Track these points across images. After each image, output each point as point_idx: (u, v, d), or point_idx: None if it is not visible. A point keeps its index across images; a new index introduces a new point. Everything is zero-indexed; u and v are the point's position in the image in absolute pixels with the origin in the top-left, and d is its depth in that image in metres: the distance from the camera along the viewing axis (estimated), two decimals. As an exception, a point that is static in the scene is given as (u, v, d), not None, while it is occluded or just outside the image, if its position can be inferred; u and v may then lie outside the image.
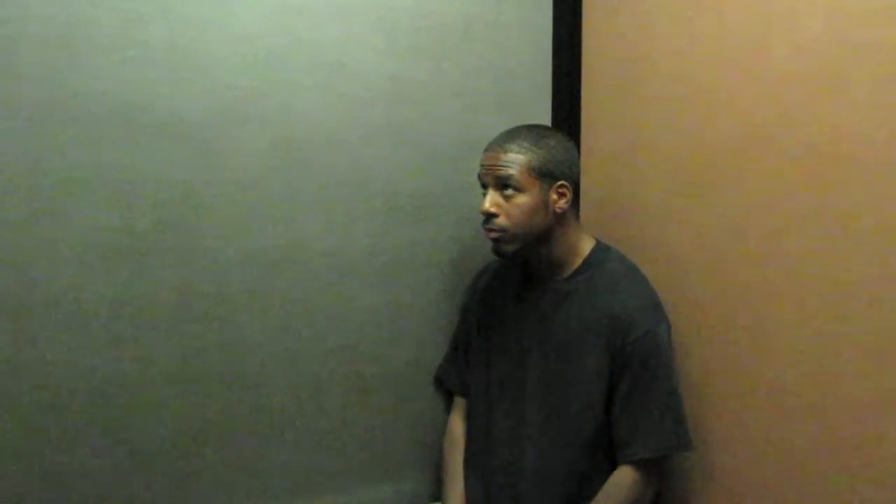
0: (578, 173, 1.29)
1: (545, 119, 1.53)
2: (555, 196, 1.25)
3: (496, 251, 1.28)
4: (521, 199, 1.23)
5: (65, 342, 1.25)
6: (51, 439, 1.26)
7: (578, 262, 1.30)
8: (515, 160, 1.23)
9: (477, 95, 1.47)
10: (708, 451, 1.28)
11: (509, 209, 1.24)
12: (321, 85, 1.37)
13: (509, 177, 1.23)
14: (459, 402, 1.45)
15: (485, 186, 1.27)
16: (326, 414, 1.42)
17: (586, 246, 1.31)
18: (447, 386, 1.46)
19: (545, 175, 1.24)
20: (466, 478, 1.38)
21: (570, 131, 1.53)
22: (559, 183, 1.25)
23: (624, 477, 1.23)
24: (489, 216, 1.25)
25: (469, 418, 1.41)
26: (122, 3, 1.24)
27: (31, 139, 1.21)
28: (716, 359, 1.27)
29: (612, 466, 1.26)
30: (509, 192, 1.23)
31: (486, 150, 1.28)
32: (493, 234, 1.25)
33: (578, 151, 1.42)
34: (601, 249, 1.31)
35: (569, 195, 1.26)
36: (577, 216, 1.34)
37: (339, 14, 1.36)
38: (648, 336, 1.23)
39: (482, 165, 1.28)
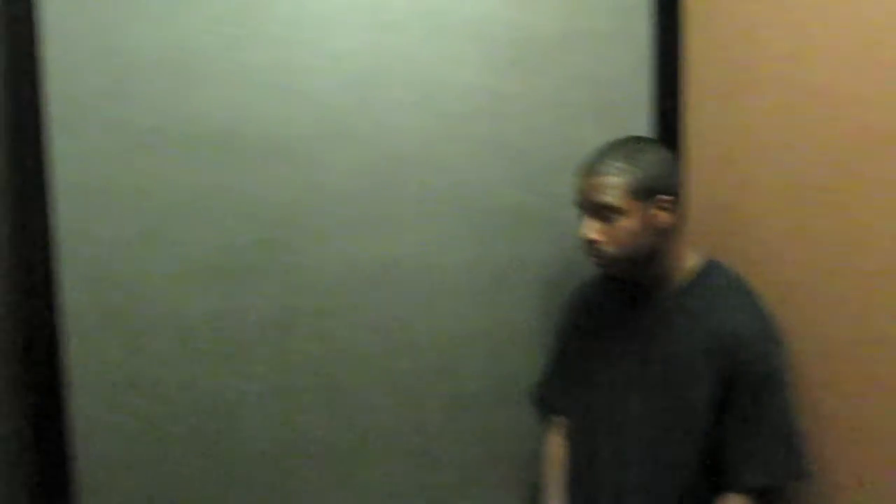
0: (680, 183, 1.23)
1: (645, 129, 1.48)
2: (657, 212, 1.19)
3: (600, 266, 1.24)
4: (623, 223, 1.18)
5: (170, 356, 1.29)
6: (154, 450, 1.30)
7: (686, 277, 1.24)
8: (611, 184, 1.17)
9: (575, 107, 1.43)
10: (825, 483, 1.20)
11: (611, 234, 1.18)
12: (418, 101, 1.36)
13: (607, 204, 1.17)
14: (559, 422, 1.41)
15: (583, 211, 1.23)
16: (423, 430, 1.41)
17: (694, 261, 1.25)
18: (546, 404, 1.43)
19: (644, 193, 1.18)
20: (567, 499, 1.34)
21: (670, 141, 1.48)
22: (660, 198, 1.19)
23: (734, 506, 1.17)
24: (591, 243, 1.20)
25: (569, 438, 1.37)
26: (223, 29, 1.28)
27: (140, 162, 1.26)
28: (835, 383, 1.19)
29: (721, 489, 1.20)
30: (609, 217, 1.18)
31: (580, 174, 1.22)
32: (597, 260, 1.21)
33: (678, 160, 1.37)
34: (710, 265, 1.25)
35: (671, 208, 1.20)
36: (683, 229, 1.28)
37: (436, 30, 1.36)
38: (763, 358, 1.16)
39: (577, 191, 1.23)
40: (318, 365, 1.36)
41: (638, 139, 1.24)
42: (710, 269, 1.24)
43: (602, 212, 1.18)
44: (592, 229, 1.19)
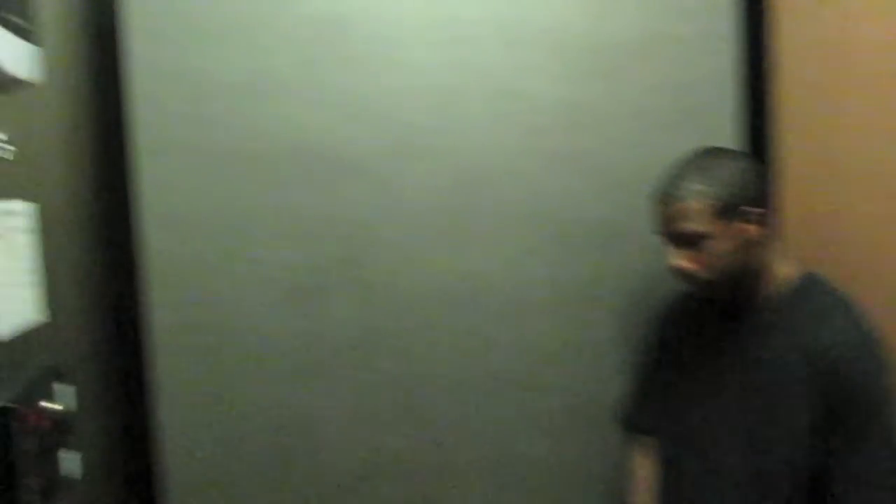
0: (768, 192, 1.15)
1: (732, 137, 1.41)
2: (746, 226, 1.12)
3: (694, 290, 1.17)
4: (712, 246, 1.10)
5: (251, 375, 1.31)
6: (235, 468, 1.31)
7: (782, 291, 1.17)
8: (692, 210, 1.09)
9: (658, 115, 1.38)
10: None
11: (701, 260, 1.11)
12: (496, 115, 1.34)
13: (692, 231, 1.09)
14: (646, 442, 1.36)
15: (666, 240, 1.15)
16: (502, 450, 1.38)
17: (790, 273, 1.17)
18: (632, 424, 1.38)
19: (729, 211, 1.10)
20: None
21: (760, 147, 1.41)
22: (747, 211, 1.11)
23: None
24: (682, 271, 1.15)
25: (657, 459, 1.31)
26: (299, 50, 1.29)
27: (220, 183, 1.28)
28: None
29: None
30: (697, 243, 1.10)
31: (657, 202, 1.15)
32: (691, 287, 1.15)
33: (766, 168, 1.30)
34: (808, 278, 1.17)
35: (761, 220, 1.13)
36: (777, 240, 1.21)
37: (512, 41, 1.33)
38: (866, 378, 1.08)
39: (657, 220, 1.15)
40: (398, 384, 1.35)
41: (712, 151, 1.15)
42: (809, 283, 1.17)
43: (688, 239, 1.11)
44: (681, 258, 1.12)
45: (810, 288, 1.16)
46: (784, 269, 1.17)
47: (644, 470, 1.34)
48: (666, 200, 1.12)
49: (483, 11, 1.33)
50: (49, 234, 0.98)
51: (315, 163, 1.31)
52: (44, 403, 0.87)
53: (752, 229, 1.12)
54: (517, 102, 1.34)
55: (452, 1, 1.32)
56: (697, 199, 1.09)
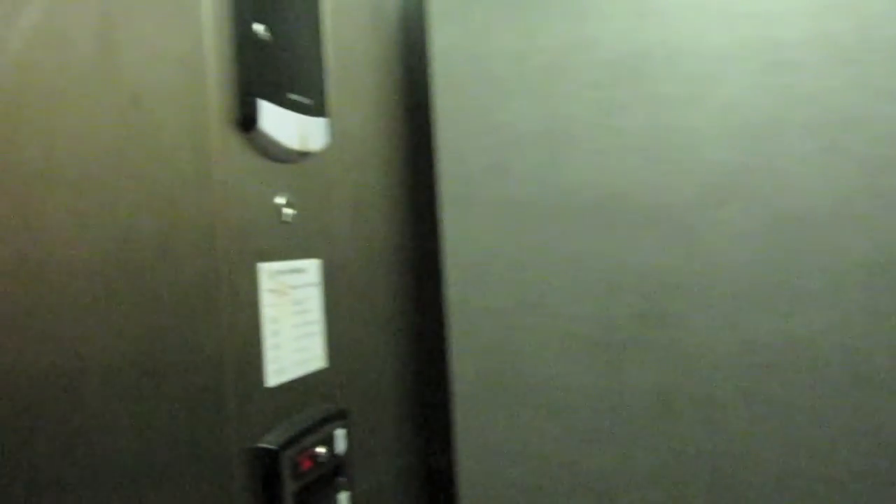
0: None
1: None
2: None
3: None
4: None
5: (548, 430, 1.27)
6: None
7: None
8: None
9: None
10: None
11: None
12: (826, 148, 1.13)
13: None
14: None
15: None
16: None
17: None
18: None
19: None
20: None
21: None
22: None
23: None
24: None
25: None
26: (598, 95, 1.23)
27: (521, 233, 1.28)
28: None
29: None
30: None
31: None
32: None
33: None
34: None
35: None
36: None
37: (846, 61, 1.11)
38: None
39: None
40: (704, 456, 1.19)
41: None
42: None
43: None
44: None
45: None
46: None
47: None
48: None
49: (810, 30, 1.13)
50: (334, 286, 1.07)
51: (616, 211, 1.24)
52: (319, 448, 0.94)
53: None
54: (853, 133, 1.11)
55: (769, 23, 1.15)
56: None
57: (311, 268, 1.00)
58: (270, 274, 0.90)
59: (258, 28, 0.87)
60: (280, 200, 0.94)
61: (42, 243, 0.61)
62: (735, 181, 1.18)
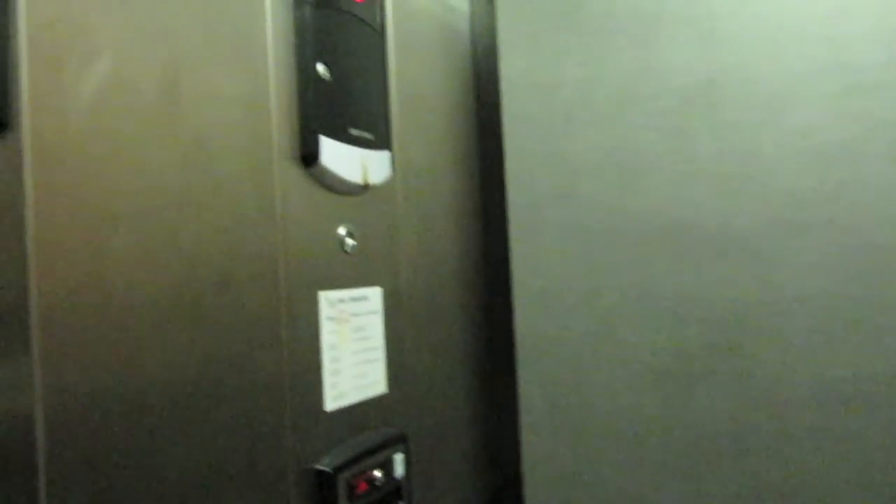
0: None
1: None
2: None
3: None
4: None
5: (616, 461, 1.25)
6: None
7: None
8: None
9: None
10: None
11: None
12: (908, 175, 1.08)
13: None
14: None
15: None
16: None
17: None
18: None
19: None
20: None
21: None
22: None
23: None
24: None
25: None
26: (667, 122, 1.22)
27: (588, 262, 1.27)
28: None
29: None
30: None
31: None
32: None
33: None
34: None
35: None
36: None
37: (930, 83, 1.06)
38: None
39: None
40: (777, 495, 1.15)
41: None
42: None
43: None
44: None
45: None
46: None
47: None
48: None
49: (889, 53, 1.09)
50: (398, 312, 1.10)
51: (685, 240, 1.21)
52: (376, 472, 0.97)
53: None
54: (936, 158, 1.06)
55: (847, 46, 1.11)
56: None
57: (373, 295, 1.03)
58: (331, 302, 0.94)
59: (320, 68, 0.91)
60: (342, 231, 0.97)
61: (109, 275, 0.67)
62: (811, 209, 1.14)
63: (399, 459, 1.01)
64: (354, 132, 0.97)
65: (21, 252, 0.61)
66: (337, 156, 0.93)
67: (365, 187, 0.99)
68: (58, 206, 0.63)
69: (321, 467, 0.89)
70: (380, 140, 1.02)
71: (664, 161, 1.23)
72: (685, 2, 1.21)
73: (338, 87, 0.94)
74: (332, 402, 0.93)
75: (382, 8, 1.06)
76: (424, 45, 1.25)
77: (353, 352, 0.98)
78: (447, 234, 1.28)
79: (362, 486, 0.93)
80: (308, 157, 0.91)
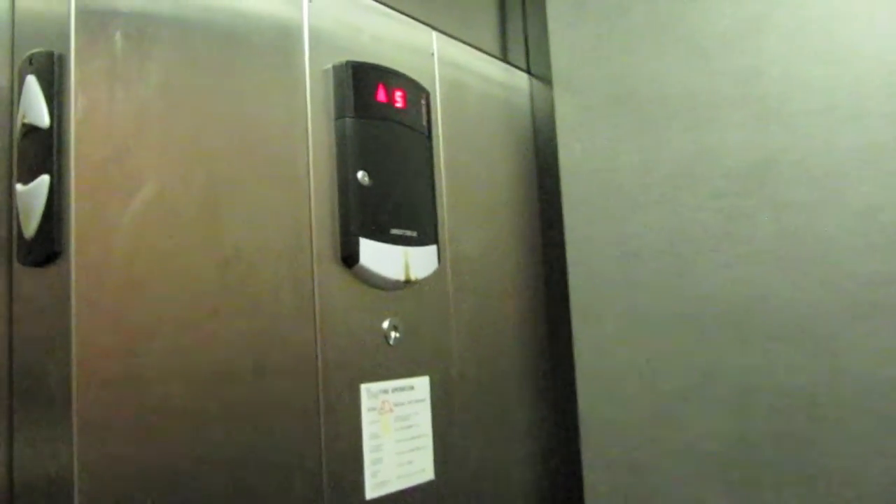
0: None
1: None
2: None
3: None
4: None
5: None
6: None
7: None
8: None
9: None
10: None
11: None
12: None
13: None
14: None
15: None
16: None
17: None
18: None
19: None
20: None
21: None
22: None
23: None
24: None
25: None
26: (722, 203, 1.20)
27: (649, 346, 1.26)
28: None
29: None
30: None
31: None
32: None
33: None
34: None
35: None
36: None
37: None
38: None
39: None
40: None
41: None
42: None
43: None
44: None
45: None
46: None
47: None
48: None
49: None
50: (448, 400, 1.13)
51: (747, 322, 1.18)
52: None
53: None
54: None
55: (905, 122, 1.07)
56: None
57: (420, 385, 1.07)
58: (372, 394, 0.99)
59: (360, 174, 0.99)
60: (385, 325, 1.03)
61: (146, 377, 0.75)
62: (874, 293, 1.08)
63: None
64: (396, 231, 1.03)
65: (66, 357, 0.71)
66: (377, 255, 0.99)
67: (408, 282, 1.05)
68: (98, 320, 0.73)
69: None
70: (424, 236, 1.07)
71: (722, 243, 1.21)
72: (738, 83, 1.21)
73: (379, 192, 1.01)
74: (373, 491, 0.98)
75: (429, 111, 1.13)
76: (482, 137, 1.30)
77: (396, 440, 1.02)
78: (505, 319, 1.30)
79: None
80: (348, 259, 0.97)
